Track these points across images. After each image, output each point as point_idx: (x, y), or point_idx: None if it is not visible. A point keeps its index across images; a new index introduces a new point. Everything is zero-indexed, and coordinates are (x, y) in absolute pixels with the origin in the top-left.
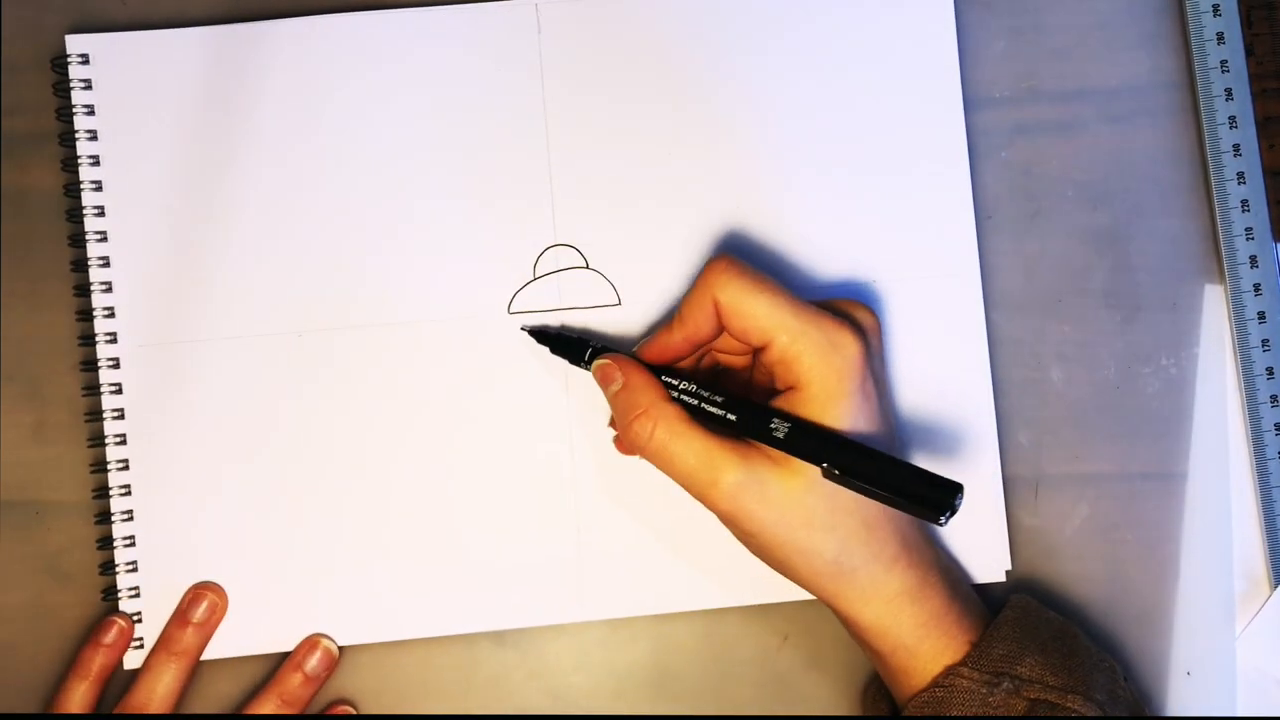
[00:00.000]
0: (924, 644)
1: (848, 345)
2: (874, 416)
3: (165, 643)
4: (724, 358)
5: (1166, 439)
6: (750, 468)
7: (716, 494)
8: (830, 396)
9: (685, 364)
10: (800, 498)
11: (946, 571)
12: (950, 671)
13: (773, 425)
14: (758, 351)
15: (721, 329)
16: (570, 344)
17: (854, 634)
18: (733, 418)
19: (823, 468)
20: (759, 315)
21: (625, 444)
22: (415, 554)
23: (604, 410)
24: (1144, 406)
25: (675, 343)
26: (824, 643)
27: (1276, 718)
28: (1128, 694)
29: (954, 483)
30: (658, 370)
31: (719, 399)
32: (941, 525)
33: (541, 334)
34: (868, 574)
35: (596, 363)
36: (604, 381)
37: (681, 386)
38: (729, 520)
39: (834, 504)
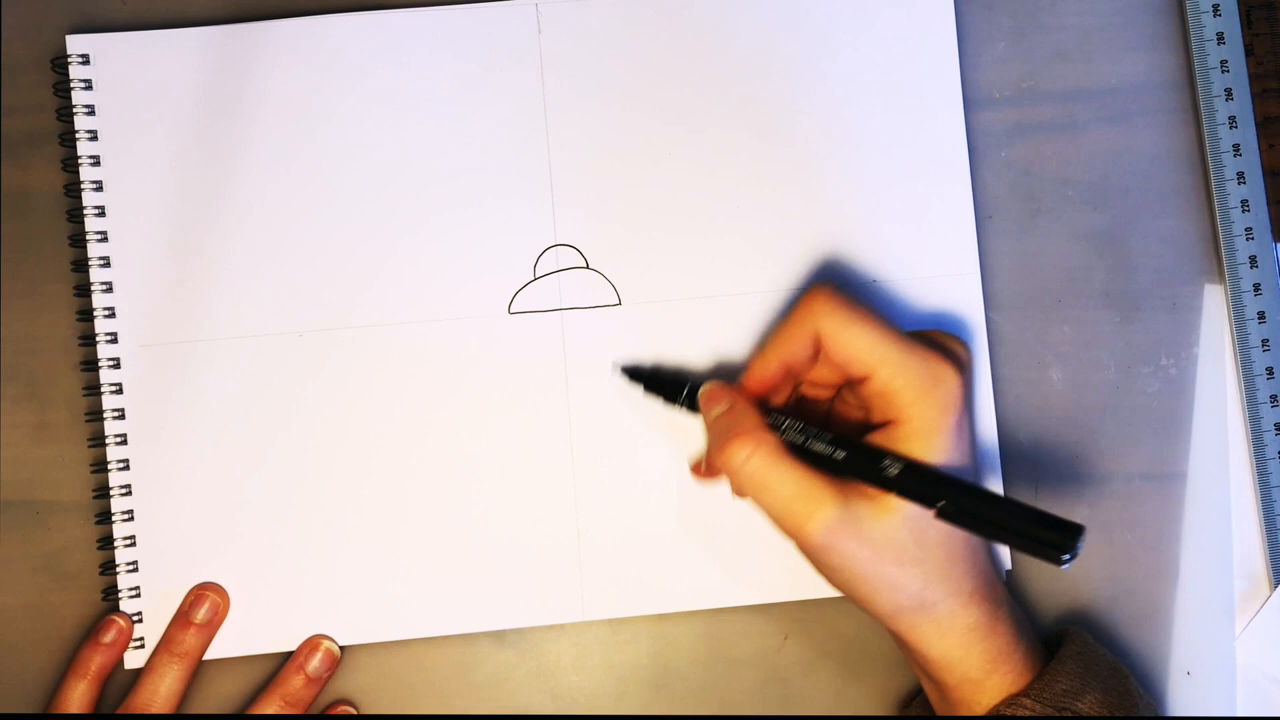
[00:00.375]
0: (991, 678)
1: (949, 379)
2: (965, 451)
3: (167, 643)
4: (807, 389)
5: (1166, 439)
6: (848, 504)
7: (811, 528)
8: (931, 431)
9: (777, 399)
10: (893, 534)
11: (1013, 609)
12: (1012, 702)
13: (885, 464)
14: (851, 383)
15: (815, 360)
16: (665, 383)
17: (920, 666)
18: (840, 455)
19: (938, 507)
20: (862, 347)
21: (719, 465)
22: (416, 554)
23: (605, 409)
24: (1144, 406)
25: (772, 369)
26: (824, 643)
27: (1276, 718)
28: None
29: (1076, 525)
30: (764, 407)
31: (827, 436)
32: (1062, 567)
33: (635, 373)
34: (947, 608)
35: (705, 386)
36: (709, 403)
37: (786, 423)
38: (819, 554)
39: (922, 538)
